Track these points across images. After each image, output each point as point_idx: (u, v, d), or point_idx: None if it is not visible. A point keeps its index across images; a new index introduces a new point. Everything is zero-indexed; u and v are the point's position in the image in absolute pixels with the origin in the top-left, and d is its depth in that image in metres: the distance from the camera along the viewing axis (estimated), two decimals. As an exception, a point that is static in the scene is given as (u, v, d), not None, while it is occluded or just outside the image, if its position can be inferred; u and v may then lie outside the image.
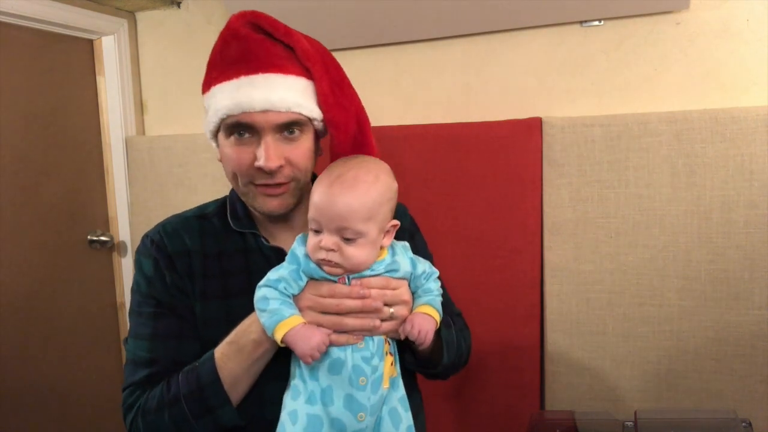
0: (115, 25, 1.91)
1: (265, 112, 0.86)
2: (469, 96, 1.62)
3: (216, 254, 0.94)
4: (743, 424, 1.13)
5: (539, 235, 1.49)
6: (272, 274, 0.84)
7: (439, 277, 0.92)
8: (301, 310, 0.83)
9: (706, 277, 1.38)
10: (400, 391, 0.88)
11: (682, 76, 1.44)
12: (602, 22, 1.48)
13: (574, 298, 1.48)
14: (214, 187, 1.84)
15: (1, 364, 1.66)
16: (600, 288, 1.46)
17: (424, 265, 0.90)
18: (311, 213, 0.82)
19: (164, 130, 2.00)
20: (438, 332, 0.93)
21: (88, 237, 1.94)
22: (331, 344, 0.82)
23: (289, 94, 0.88)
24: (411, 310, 0.88)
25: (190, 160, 1.87)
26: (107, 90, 1.95)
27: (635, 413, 1.20)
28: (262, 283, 0.84)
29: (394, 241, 0.90)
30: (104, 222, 2.00)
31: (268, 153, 0.86)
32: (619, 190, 1.42)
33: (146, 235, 0.97)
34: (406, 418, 0.87)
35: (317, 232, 0.82)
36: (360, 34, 1.64)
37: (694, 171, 1.37)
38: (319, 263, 0.82)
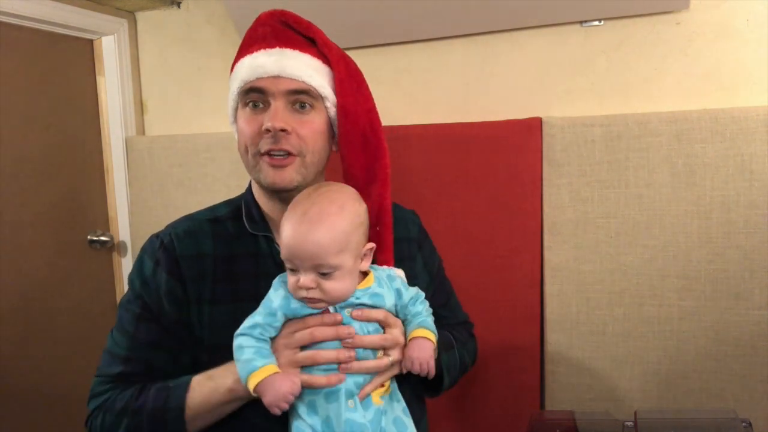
0: (115, 25, 1.91)
1: (276, 78, 0.89)
2: (469, 96, 1.62)
3: (227, 258, 0.94)
4: (743, 424, 1.13)
5: (539, 235, 1.49)
6: (247, 322, 0.83)
7: (438, 263, 0.90)
8: (277, 350, 0.83)
9: (706, 277, 1.38)
10: (402, 402, 0.88)
11: (682, 76, 1.44)
12: (602, 22, 1.48)
13: (574, 298, 1.48)
14: (214, 187, 1.84)
15: (1, 364, 1.66)
16: (600, 288, 1.46)
17: (410, 292, 0.90)
18: (283, 253, 0.82)
19: (164, 130, 2.00)
20: (438, 359, 0.93)
21: (88, 237, 1.94)
22: (310, 387, 0.81)
23: (302, 65, 0.91)
24: (405, 343, 0.88)
25: (190, 160, 1.87)
26: (107, 90, 1.95)
27: (635, 413, 1.20)
28: (238, 331, 0.83)
29: (380, 269, 0.90)
30: (104, 222, 2.00)
31: (275, 114, 0.88)
32: (619, 190, 1.42)
33: (156, 235, 0.96)
34: (410, 425, 0.87)
35: (293, 270, 0.82)
36: (360, 34, 1.64)
37: (694, 171, 1.37)
38: (302, 300, 0.82)
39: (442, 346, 0.95)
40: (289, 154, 0.89)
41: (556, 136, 1.46)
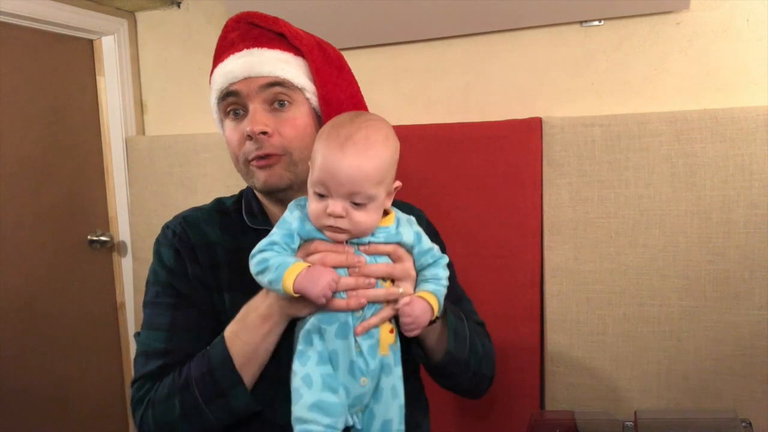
0: (115, 25, 1.91)
1: (246, 79, 0.89)
2: (469, 96, 1.62)
3: (234, 249, 0.94)
4: (743, 424, 1.13)
5: (539, 235, 1.49)
6: (263, 241, 0.81)
7: (448, 265, 0.88)
8: None
9: (706, 277, 1.38)
10: (400, 367, 0.85)
11: (682, 76, 1.44)
12: (602, 22, 1.48)
13: (574, 298, 1.48)
14: (214, 187, 1.84)
15: (1, 364, 1.66)
16: (600, 288, 1.46)
17: (431, 243, 0.86)
18: (317, 176, 0.78)
19: (164, 130, 2.00)
20: (444, 318, 0.91)
21: (88, 237, 1.94)
22: (330, 308, 0.79)
23: (271, 61, 0.90)
24: (415, 289, 0.85)
25: (190, 160, 1.87)
26: (107, 90, 1.95)
27: (635, 413, 1.20)
28: (254, 251, 0.80)
29: (400, 213, 0.88)
30: (104, 222, 2.00)
31: (253, 118, 0.87)
32: (619, 190, 1.42)
33: (166, 226, 0.97)
34: (401, 397, 0.84)
35: (321, 196, 0.78)
36: (360, 34, 1.64)
37: (694, 171, 1.37)
38: (324, 229, 0.79)
39: (452, 315, 0.92)
40: (274, 154, 0.89)
41: (556, 136, 1.46)
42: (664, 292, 1.41)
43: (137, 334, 0.94)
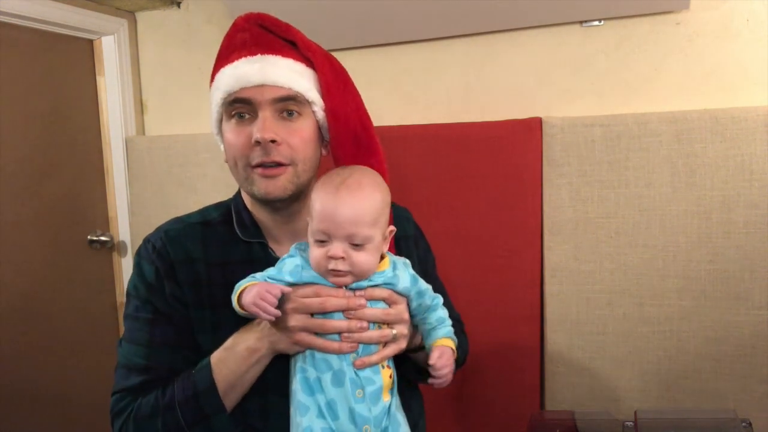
0: (115, 25, 1.91)
1: (261, 86, 0.88)
2: (469, 96, 1.62)
3: (220, 264, 0.93)
4: (743, 424, 1.13)
5: (539, 235, 1.49)
6: (256, 274, 0.85)
7: (431, 260, 0.91)
8: (286, 313, 0.83)
9: (706, 277, 1.38)
10: (397, 397, 0.88)
11: (682, 76, 1.44)
12: (602, 22, 1.48)
13: (574, 298, 1.48)
14: (214, 187, 1.84)
15: (1, 364, 1.66)
16: (600, 288, 1.46)
17: (426, 284, 0.90)
18: (316, 224, 0.82)
19: (164, 130, 2.00)
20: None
21: (88, 237, 1.94)
22: (322, 350, 0.82)
23: (286, 71, 0.89)
24: (420, 334, 0.89)
25: (190, 160, 1.87)
26: (107, 90, 1.95)
27: (635, 413, 1.20)
28: (240, 282, 0.85)
29: (394, 257, 0.90)
30: (104, 222, 2.00)
31: (264, 125, 0.87)
32: (619, 190, 1.42)
33: (147, 240, 0.96)
34: (404, 422, 0.87)
35: (322, 242, 0.82)
36: (360, 34, 1.64)
37: (694, 171, 1.37)
38: (327, 274, 0.82)
39: None
40: (280, 164, 0.88)
41: (556, 136, 1.46)
42: (664, 292, 1.41)
43: (119, 343, 0.94)
